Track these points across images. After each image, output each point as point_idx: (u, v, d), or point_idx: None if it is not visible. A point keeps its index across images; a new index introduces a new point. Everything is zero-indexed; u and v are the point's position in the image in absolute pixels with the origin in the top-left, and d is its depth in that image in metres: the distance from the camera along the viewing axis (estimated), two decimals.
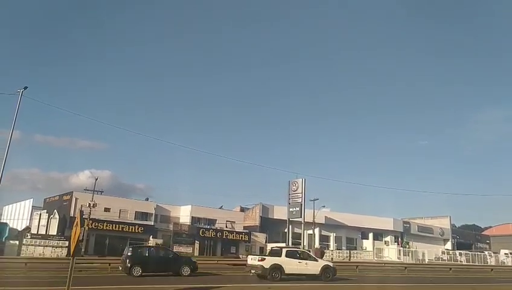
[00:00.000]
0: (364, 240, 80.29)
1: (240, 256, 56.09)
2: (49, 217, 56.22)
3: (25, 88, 32.72)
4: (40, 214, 58.88)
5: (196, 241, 59.77)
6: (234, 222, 67.92)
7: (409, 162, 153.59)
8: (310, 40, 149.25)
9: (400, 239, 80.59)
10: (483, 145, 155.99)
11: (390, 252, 65.17)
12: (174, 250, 54.94)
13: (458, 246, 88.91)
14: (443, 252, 69.64)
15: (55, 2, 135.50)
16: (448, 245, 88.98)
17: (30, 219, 61.02)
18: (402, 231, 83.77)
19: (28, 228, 57.66)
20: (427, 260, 61.99)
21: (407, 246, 71.20)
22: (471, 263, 60.53)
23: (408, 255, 63.13)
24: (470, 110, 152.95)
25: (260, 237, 67.41)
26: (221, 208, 72.52)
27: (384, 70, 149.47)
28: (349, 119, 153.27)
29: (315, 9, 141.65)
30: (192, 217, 64.54)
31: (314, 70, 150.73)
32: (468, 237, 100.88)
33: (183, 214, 65.54)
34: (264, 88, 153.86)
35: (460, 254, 67.08)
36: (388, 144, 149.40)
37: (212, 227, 63.55)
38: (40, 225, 56.95)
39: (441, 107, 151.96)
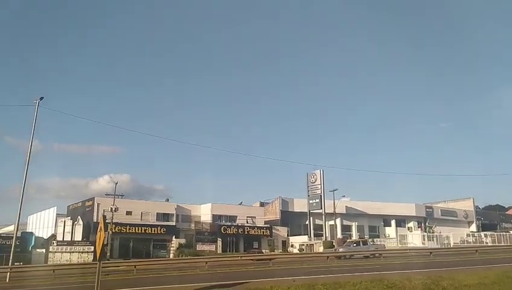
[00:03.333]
0: (386, 228, 79.76)
1: (263, 251, 56.33)
2: (73, 223, 57.11)
3: (41, 98, 33.30)
4: (65, 221, 59.82)
5: (218, 239, 60.11)
6: (255, 217, 68.08)
7: (430, 146, 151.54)
8: (323, 30, 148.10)
9: (423, 224, 79.88)
10: (504, 122, 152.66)
11: (414, 238, 64.67)
12: (197, 249, 55.89)
13: (483, 227, 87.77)
14: (468, 235, 68.78)
15: (67, 8, 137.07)
16: (473, 227, 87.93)
17: (55, 227, 62.01)
18: (425, 215, 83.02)
19: (53, 236, 58.61)
20: (452, 244, 61.33)
21: (431, 231, 70.48)
22: (497, 244, 59.60)
23: (433, 240, 62.50)
24: (489, 87, 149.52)
25: (282, 231, 67.50)
26: (240, 204, 72.75)
27: (401, 53, 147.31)
28: (366, 106, 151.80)
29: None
30: (212, 215, 64.89)
31: (332, 60, 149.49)
32: (492, 218, 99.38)
33: (204, 213, 65.95)
34: (279, 81, 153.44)
35: (485, 236, 66.11)
36: (407, 128, 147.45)
37: (233, 224, 63.80)
38: (65, 231, 57.88)
39: (458, 87, 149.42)
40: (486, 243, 62.35)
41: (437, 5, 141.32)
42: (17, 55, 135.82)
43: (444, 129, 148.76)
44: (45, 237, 58.78)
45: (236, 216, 66.35)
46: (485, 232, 69.53)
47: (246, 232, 62.65)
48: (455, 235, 65.83)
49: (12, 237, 34.72)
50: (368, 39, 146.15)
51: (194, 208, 66.68)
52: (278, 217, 70.92)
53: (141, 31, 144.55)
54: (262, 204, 75.24)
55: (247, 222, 65.93)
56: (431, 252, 36.75)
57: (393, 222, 79.93)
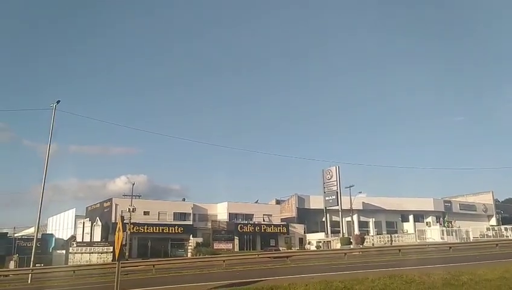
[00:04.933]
0: (404, 223, 79.15)
1: (280, 248, 56.30)
2: (92, 224, 57.94)
3: (58, 102, 33.81)
4: (84, 222, 60.73)
5: (235, 237, 60.32)
6: (271, 215, 68.15)
7: (447, 140, 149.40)
8: (335, 26, 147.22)
9: (441, 219, 78.96)
10: None
11: (433, 233, 63.83)
12: (215, 247, 56.18)
13: (503, 221, 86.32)
14: (488, 229, 67.59)
15: (83, 13, 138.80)
16: (493, 221, 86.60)
17: (74, 228, 62.98)
18: (443, 210, 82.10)
19: (73, 237, 59.57)
20: (471, 238, 60.43)
21: (450, 225, 69.60)
22: None
23: (452, 235, 61.67)
24: (506, 80, 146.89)
25: (298, 228, 67.41)
26: (256, 202, 72.86)
27: (413, 47, 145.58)
28: (380, 102, 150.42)
29: None
30: (229, 213, 65.19)
31: (343, 56, 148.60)
32: None
33: (220, 211, 66.26)
34: (292, 79, 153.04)
35: (506, 229, 64.86)
36: (422, 123, 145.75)
37: (250, 222, 63.96)
38: (84, 232, 58.77)
39: (474, 80, 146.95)
40: (507, 236, 61.20)
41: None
42: (32, 59, 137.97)
43: (460, 123, 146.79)
44: (65, 238, 59.75)
45: (253, 214, 66.51)
46: (506, 226, 68.27)
47: (262, 230, 62.75)
48: (475, 230, 64.83)
49: (33, 238, 35.32)
50: (381, 34, 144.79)
51: (210, 207, 67.01)
52: (295, 214, 70.85)
53: (152, 34, 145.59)
54: (278, 202, 75.24)
55: (263, 220, 66.00)
56: (450, 247, 36.31)
57: (411, 217, 79.26)
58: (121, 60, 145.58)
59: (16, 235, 59.47)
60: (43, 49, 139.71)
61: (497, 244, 37.81)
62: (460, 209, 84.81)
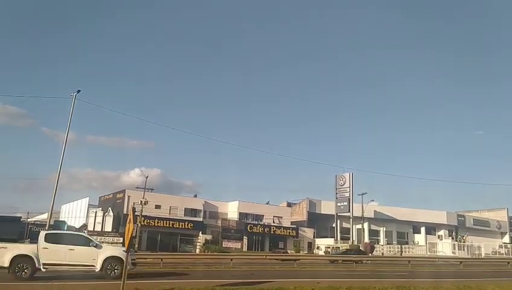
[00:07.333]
0: (416, 235, 78.23)
1: (288, 251, 56.29)
2: (104, 214, 58.60)
3: (78, 91, 34.28)
4: (96, 211, 61.46)
5: (244, 237, 60.42)
6: (281, 217, 68.05)
7: (463, 153, 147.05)
8: (354, 34, 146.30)
9: (454, 233, 77.92)
10: None
11: (445, 247, 63.11)
12: (223, 245, 56.34)
13: None
14: (500, 246, 66.69)
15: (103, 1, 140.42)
16: (506, 238, 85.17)
17: (87, 217, 63.76)
18: (456, 224, 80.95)
19: (84, 226, 60.34)
20: (483, 254, 59.60)
21: (462, 240, 68.73)
22: None
23: (463, 250, 60.93)
24: None
25: (308, 232, 67.25)
26: (268, 203, 72.78)
27: (433, 60, 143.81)
28: (399, 112, 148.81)
29: None
30: (239, 212, 65.24)
31: (361, 65, 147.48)
32: None
33: (231, 210, 66.38)
34: (310, 83, 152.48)
35: None
36: (440, 135, 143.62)
37: (260, 222, 64.00)
38: (96, 222, 59.49)
39: (493, 94, 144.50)
40: None
41: (475, 10, 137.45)
42: (51, 47, 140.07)
43: (478, 137, 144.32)
44: (77, 227, 60.51)
45: (263, 215, 66.51)
46: None
47: (272, 232, 62.75)
48: (487, 246, 64.01)
49: (46, 224, 35.88)
50: (398, 45, 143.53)
51: (221, 205, 67.21)
52: (305, 218, 70.69)
53: (170, 28, 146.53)
54: (289, 204, 75.15)
55: (273, 222, 65.99)
56: (461, 262, 35.90)
57: (423, 229, 78.33)
58: (144, 54, 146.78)
59: (29, 220, 60.45)
60: (63, 39, 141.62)
61: (508, 263, 37.29)
62: (474, 225, 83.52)
